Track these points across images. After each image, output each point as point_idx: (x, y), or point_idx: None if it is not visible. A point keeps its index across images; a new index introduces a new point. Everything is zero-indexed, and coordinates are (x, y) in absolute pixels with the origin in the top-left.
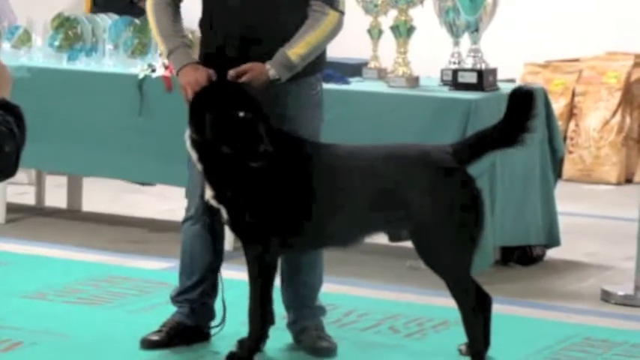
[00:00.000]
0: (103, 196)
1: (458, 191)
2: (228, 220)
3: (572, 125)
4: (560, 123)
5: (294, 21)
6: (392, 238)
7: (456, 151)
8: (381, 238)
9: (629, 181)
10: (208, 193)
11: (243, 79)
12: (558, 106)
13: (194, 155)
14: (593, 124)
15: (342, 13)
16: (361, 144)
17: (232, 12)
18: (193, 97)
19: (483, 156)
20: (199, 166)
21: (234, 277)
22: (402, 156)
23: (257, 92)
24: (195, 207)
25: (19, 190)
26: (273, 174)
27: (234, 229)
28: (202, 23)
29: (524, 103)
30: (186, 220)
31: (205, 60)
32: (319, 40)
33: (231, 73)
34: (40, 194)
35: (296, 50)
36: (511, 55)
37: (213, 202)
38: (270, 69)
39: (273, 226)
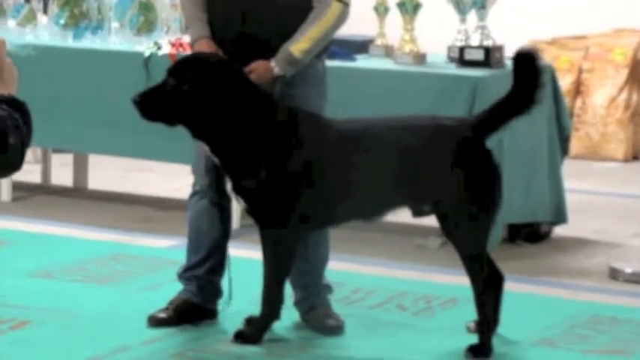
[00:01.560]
0: (109, 174)
1: (478, 165)
2: (247, 208)
3: (578, 102)
4: (566, 100)
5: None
6: (415, 213)
7: (475, 123)
8: (388, 216)
9: (636, 158)
10: (228, 185)
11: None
12: (565, 83)
13: (206, 147)
14: (600, 101)
15: (346, 4)
16: (378, 117)
17: None
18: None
19: (501, 127)
20: (215, 160)
21: (242, 254)
22: (422, 128)
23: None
24: (201, 182)
25: (25, 168)
26: (288, 156)
27: (254, 216)
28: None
29: (529, 63)
30: (192, 195)
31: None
32: (322, 33)
33: None
34: (46, 172)
35: (299, 46)
36: (517, 32)
37: (232, 194)
38: (275, 66)
39: (294, 210)
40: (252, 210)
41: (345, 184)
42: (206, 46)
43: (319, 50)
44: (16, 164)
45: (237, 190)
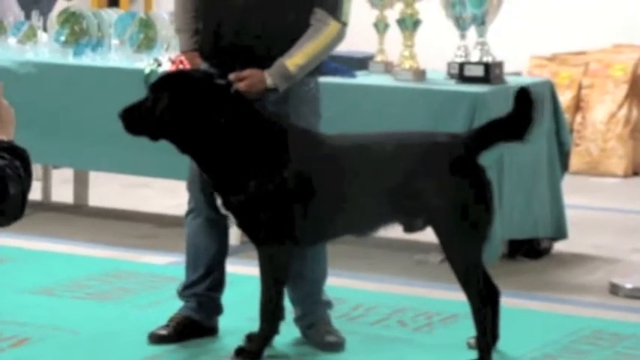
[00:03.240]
0: (109, 190)
1: (470, 181)
2: (238, 224)
3: (578, 118)
4: (566, 116)
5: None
6: (406, 228)
7: (467, 140)
8: (388, 232)
9: (636, 173)
10: (218, 201)
11: (241, 85)
12: (565, 99)
13: (194, 165)
14: (600, 117)
15: (344, 24)
16: (371, 132)
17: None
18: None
19: (494, 145)
20: (205, 176)
21: (242, 271)
22: (414, 145)
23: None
24: (196, 200)
25: None
26: (281, 170)
27: (246, 232)
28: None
29: (527, 103)
30: (188, 213)
31: (203, 41)
32: (318, 50)
33: (232, 77)
34: (46, 189)
35: (294, 60)
36: (517, 48)
37: (223, 210)
38: (268, 78)
39: (285, 225)
40: (243, 226)
41: (337, 200)
42: (190, 59)
43: (313, 67)
44: (16, 213)
45: (227, 205)
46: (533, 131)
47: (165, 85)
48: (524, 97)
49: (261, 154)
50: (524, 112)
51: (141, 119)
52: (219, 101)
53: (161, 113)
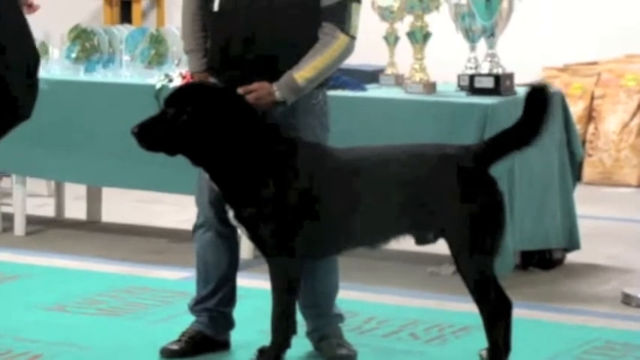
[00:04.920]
0: (122, 206)
1: (481, 193)
2: (249, 237)
3: (591, 128)
4: (579, 126)
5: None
6: (418, 241)
7: (478, 152)
8: (400, 244)
9: None
10: (229, 213)
11: (250, 97)
12: (577, 109)
13: (205, 175)
14: (613, 127)
15: (352, 37)
16: (380, 145)
17: (239, 15)
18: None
19: (505, 157)
20: (214, 187)
21: (255, 285)
22: (425, 157)
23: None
24: (205, 214)
25: (39, 202)
26: (292, 183)
27: (257, 244)
28: (213, 19)
29: (540, 101)
30: (197, 228)
31: (211, 57)
32: (327, 64)
33: (240, 90)
34: (59, 206)
35: (303, 74)
36: (530, 59)
37: (234, 222)
38: (277, 91)
39: (296, 238)
40: (254, 238)
41: (347, 213)
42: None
43: (322, 80)
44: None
45: (239, 218)
46: (544, 138)
47: (185, 98)
48: (536, 96)
49: (273, 167)
50: (536, 114)
51: (160, 135)
52: (235, 113)
53: (183, 127)
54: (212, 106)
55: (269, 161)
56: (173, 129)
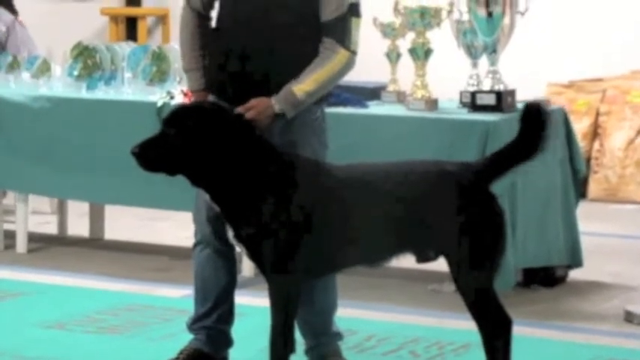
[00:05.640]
0: (125, 223)
1: (481, 210)
2: (249, 256)
3: (596, 145)
4: (584, 143)
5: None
6: (418, 259)
7: (478, 169)
8: (401, 262)
9: None
10: (229, 233)
11: (249, 114)
12: (582, 125)
13: (206, 195)
14: (618, 144)
15: (353, 52)
16: (379, 162)
17: (237, 31)
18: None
19: (505, 173)
20: (215, 207)
21: (255, 303)
22: (424, 174)
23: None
24: (202, 231)
25: (41, 219)
26: (291, 202)
27: (256, 263)
28: (211, 35)
29: (536, 116)
30: (195, 245)
31: (210, 74)
32: (327, 78)
33: (240, 109)
34: (62, 223)
35: (302, 87)
36: (535, 75)
37: (234, 241)
38: (276, 104)
39: (295, 256)
40: (254, 257)
41: (346, 231)
42: (200, 99)
43: (321, 95)
44: None
45: (239, 237)
46: (546, 155)
47: (185, 118)
48: (531, 113)
49: (272, 186)
50: (532, 131)
51: (161, 155)
52: (234, 133)
53: (184, 147)
54: (211, 126)
55: (268, 180)
56: (173, 149)
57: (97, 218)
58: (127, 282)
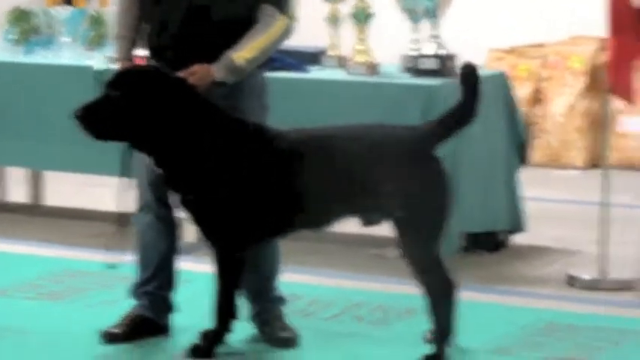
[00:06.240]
0: (64, 189)
1: (427, 174)
2: (194, 221)
3: (538, 111)
4: (525, 109)
5: (237, 16)
6: (365, 223)
7: (424, 132)
8: (343, 227)
9: (595, 165)
10: (174, 199)
11: (191, 80)
12: (524, 91)
13: (151, 160)
14: (559, 109)
15: (292, 19)
16: (326, 126)
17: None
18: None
19: (451, 136)
20: (158, 173)
21: (199, 269)
22: (370, 138)
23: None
24: (145, 197)
25: None
26: (234, 168)
27: (201, 229)
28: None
29: (471, 77)
30: (137, 211)
31: (149, 39)
32: (267, 44)
33: (181, 74)
34: (1, 190)
35: (242, 54)
36: (476, 41)
37: (179, 207)
38: (216, 71)
39: (240, 223)
40: (199, 223)
41: (293, 195)
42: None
43: (261, 62)
44: None
45: (184, 203)
46: (488, 120)
47: (126, 81)
48: (467, 74)
49: (216, 150)
50: (471, 93)
51: (103, 119)
52: (179, 96)
53: (126, 111)
54: (156, 89)
55: (214, 145)
56: (117, 112)
57: (36, 184)
58: (66, 248)
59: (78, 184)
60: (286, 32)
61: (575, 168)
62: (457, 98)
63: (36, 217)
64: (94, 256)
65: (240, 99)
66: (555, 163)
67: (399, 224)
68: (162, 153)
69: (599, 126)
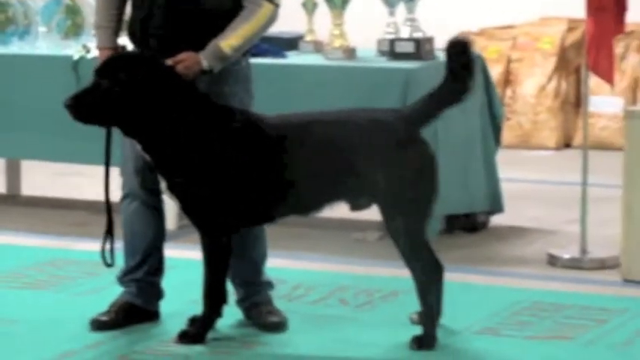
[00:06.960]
0: (41, 179)
1: (413, 156)
2: (181, 207)
3: (508, 92)
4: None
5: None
6: (353, 207)
7: (409, 114)
8: (325, 211)
9: (567, 145)
10: (162, 185)
11: (179, 67)
12: (494, 73)
13: (138, 146)
14: (530, 90)
15: (276, 5)
16: (312, 111)
17: None
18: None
19: (436, 117)
20: (146, 157)
21: (181, 255)
22: (355, 122)
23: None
24: (130, 184)
25: None
26: (222, 153)
27: (188, 215)
28: None
29: (461, 51)
30: (123, 198)
31: (133, 27)
32: (252, 31)
33: (169, 61)
34: None
35: (229, 42)
36: (446, 23)
37: (167, 193)
38: (204, 60)
39: (228, 207)
40: (186, 209)
41: (281, 180)
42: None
43: (247, 48)
44: None
45: (171, 188)
46: (466, 101)
47: (117, 69)
48: (456, 49)
49: (205, 136)
50: (460, 70)
51: (95, 107)
52: (168, 83)
53: (119, 98)
54: (145, 76)
55: (201, 130)
56: (107, 100)
57: (13, 174)
58: (47, 238)
59: (53, 174)
60: (271, 19)
61: (546, 149)
62: (436, 80)
63: (14, 207)
64: (77, 245)
65: (224, 85)
66: (526, 144)
67: (387, 208)
68: (151, 138)
69: (570, 106)
